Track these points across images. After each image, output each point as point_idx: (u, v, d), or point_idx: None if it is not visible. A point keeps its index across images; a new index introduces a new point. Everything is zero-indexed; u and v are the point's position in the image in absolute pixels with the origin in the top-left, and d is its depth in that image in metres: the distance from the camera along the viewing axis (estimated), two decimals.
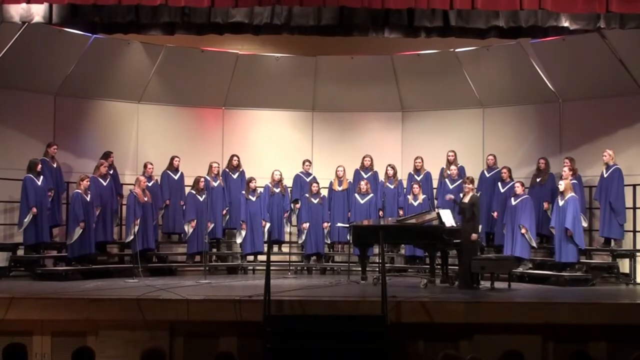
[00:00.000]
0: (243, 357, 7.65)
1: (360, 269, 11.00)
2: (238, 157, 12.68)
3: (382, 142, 13.25)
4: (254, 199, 12.17)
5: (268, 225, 12.20)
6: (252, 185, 12.19)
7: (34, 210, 10.67)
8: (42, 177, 10.87)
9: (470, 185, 10.30)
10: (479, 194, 10.98)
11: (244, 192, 12.22)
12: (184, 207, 12.11)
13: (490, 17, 9.09)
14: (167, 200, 12.23)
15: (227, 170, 12.65)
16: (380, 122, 13.45)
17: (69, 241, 10.72)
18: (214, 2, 8.71)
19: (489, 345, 7.47)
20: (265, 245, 12.10)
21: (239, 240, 12.26)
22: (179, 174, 12.38)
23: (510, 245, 10.86)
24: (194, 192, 11.97)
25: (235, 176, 12.63)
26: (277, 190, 12.35)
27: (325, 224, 12.30)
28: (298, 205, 12.50)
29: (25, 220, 10.69)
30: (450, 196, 10.76)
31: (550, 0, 8.62)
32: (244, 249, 12.23)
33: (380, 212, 12.04)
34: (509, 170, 11.70)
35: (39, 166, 10.85)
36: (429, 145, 12.87)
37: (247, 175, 12.41)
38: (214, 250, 12.45)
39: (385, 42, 11.31)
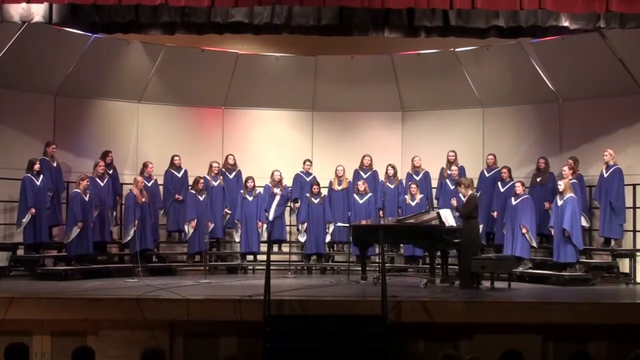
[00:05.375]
0: (243, 357, 7.64)
1: (360, 268, 11.00)
2: (234, 157, 12.68)
3: (382, 141, 13.25)
4: (250, 198, 12.17)
5: (265, 226, 12.21)
6: (249, 184, 12.20)
7: (32, 210, 10.67)
8: (41, 176, 10.87)
9: (464, 188, 10.26)
10: (478, 194, 10.99)
11: (242, 191, 12.23)
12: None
13: (490, 17, 9.10)
14: (177, 196, 12.19)
15: (224, 169, 12.62)
16: (380, 122, 13.44)
17: (66, 240, 10.74)
18: (214, 1, 8.71)
19: (489, 345, 7.45)
20: (260, 245, 12.15)
21: (237, 239, 12.29)
22: (182, 172, 12.38)
23: (510, 245, 10.86)
24: (194, 192, 11.97)
25: (231, 176, 12.62)
26: (277, 191, 12.35)
27: (327, 224, 12.29)
28: (297, 205, 12.50)
29: (24, 220, 10.70)
30: (455, 203, 10.76)
31: (550, 0, 8.62)
32: (240, 249, 12.27)
33: (380, 212, 12.04)
34: (509, 170, 11.70)
35: (37, 165, 10.83)
36: (429, 145, 12.87)
37: (244, 175, 12.42)
38: (214, 250, 12.45)
39: (385, 41, 11.33)
